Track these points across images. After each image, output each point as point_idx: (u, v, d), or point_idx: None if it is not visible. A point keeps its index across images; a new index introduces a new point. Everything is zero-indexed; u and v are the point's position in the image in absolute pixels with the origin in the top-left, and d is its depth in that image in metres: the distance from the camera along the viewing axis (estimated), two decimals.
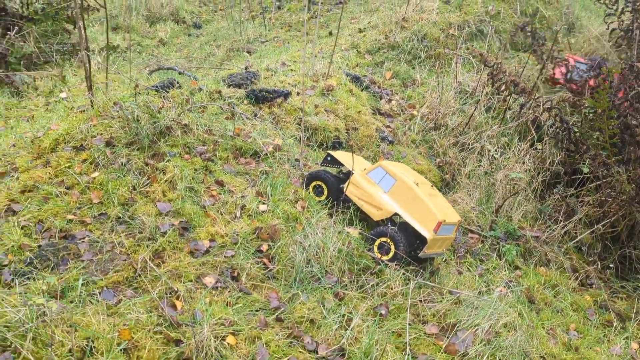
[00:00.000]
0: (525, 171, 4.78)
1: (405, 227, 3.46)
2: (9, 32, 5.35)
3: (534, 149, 4.97)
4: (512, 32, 6.57)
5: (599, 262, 4.53)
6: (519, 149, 4.96)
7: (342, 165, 3.80)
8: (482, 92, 5.48)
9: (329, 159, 3.85)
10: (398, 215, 3.49)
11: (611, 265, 4.58)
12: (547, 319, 3.73)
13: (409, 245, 3.43)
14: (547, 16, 7.26)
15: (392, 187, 3.54)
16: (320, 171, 3.81)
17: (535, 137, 5.04)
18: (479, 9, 7.00)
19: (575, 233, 4.60)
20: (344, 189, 3.70)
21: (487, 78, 5.34)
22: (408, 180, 3.52)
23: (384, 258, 3.41)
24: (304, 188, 3.79)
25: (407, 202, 3.48)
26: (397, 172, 3.56)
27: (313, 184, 3.79)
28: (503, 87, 5.24)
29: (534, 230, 4.50)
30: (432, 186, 3.71)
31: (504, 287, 3.79)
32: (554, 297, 4.02)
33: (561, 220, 4.58)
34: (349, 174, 3.73)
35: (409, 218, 3.44)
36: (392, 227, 3.44)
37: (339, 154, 3.86)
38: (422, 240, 3.39)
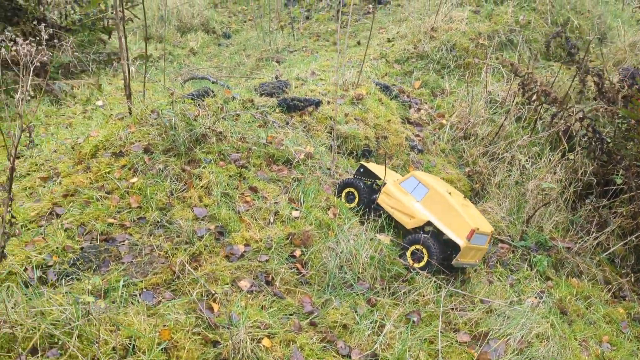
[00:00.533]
0: (557, 181, 4.74)
1: (438, 235, 3.47)
2: (51, 41, 5.56)
3: (565, 159, 4.93)
4: (548, 38, 6.47)
5: (632, 275, 4.46)
6: (550, 159, 4.93)
7: (375, 177, 3.84)
8: (513, 101, 5.46)
9: (362, 170, 3.90)
10: (431, 223, 3.51)
11: None
12: (579, 331, 3.69)
13: (442, 253, 3.44)
14: (579, 26, 7.20)
15: (425, 196, 3.57)
16: (353, 178, 3.86)
17: (567, 147, 5.00)
18: (509, 19, 6.98)
19: (608, 244, 4.55)
20: (377, 199, 3.74)
21: (518, 88, 5.32)
22: (441, 189, 3.55)
23: (417, 266, 3.44)
24: (336, 195, 3.84)
25: (440, 211, 3.50)
26: (430, 182, 3.59)
27: (346, 190, 3.85)
28: (534, 97, 5.21)
29: (565, 241, 4.46)
30: (464, 197, 3.73)
31: (536, 297, 3.77)
32: (587, 308, 3.98)
33: (593, 232, 4.53)
34: (381, 186, 3.77)
35: (442, 226, 3.46)
36: (426, 235, 3.46)
37: (371, 166, 3.91)
38: (455, 249, 3.40)
